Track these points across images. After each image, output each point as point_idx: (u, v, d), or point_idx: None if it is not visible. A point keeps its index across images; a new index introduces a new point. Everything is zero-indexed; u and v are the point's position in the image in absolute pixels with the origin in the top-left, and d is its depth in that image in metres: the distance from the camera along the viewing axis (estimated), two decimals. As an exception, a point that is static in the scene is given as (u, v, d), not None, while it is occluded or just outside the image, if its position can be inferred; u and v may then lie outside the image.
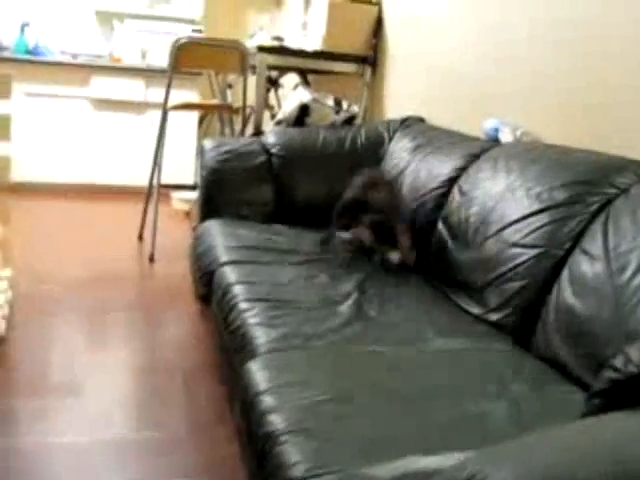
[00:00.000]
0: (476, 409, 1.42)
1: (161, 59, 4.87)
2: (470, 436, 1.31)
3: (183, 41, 3.63)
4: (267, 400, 1.42)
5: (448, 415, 1.39)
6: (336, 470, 1.18)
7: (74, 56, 5.36)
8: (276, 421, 1.34)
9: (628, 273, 1.55)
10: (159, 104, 3.92)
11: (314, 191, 2.97)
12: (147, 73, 5.21)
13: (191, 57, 3.68)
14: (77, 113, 5.18)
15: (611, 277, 1.59)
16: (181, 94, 4.57)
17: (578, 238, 1.80)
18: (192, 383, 2.43)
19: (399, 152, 2.87)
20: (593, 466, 0.74)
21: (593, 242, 1.71)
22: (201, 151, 3.04)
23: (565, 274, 1.76)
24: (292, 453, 1.24)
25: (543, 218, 1.90)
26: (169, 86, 3.70)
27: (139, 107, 5.28)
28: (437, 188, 2.47)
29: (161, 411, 2.23)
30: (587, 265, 1.69)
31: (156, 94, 5.00)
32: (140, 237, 4.11)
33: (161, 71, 4.67)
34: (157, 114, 4.19)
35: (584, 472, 0.74)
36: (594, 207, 1.81)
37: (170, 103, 3.80)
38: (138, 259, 3.82)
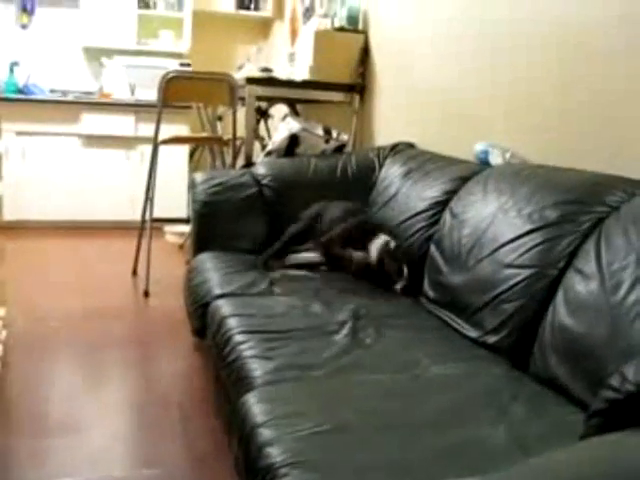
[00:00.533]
0: (476, 435, 1.40)
1: (150, 94, 4.90)
2: (471, 462, 1.30)
3: (171, 75, 3.66)
4: (265, 433, 1.40)
5: (448, 442, 1.37)
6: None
7: (64, 93, 5.39)
8: (275, 454, 1.32)
9: (622, 291, 1.55)
10: (149, 138, 3.93)
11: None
12: (137, 108, 5.25)
13: (180, 91, 3.70)
14: (68, 150, 5.20)
15: (606, 295, 1.59)
16: (171, 128, 4.59)
17: (571, 257, 1.79)
18: (189, 417, 2.41)
19: (390, 178, 2.88)
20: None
21: (586, 261, 1.71)
22: (192, 185, 3.04)
23: (560, 293, 1.75)
24: (292, 486, 1.22)
25: (536, 238, 1.90)
26: (159, 120, 3.71)
27: (130, 142, 5.30)
28: (428, 211, 2.48)
29: (159, 447, 2.20)
30: (581, 284, 1.69)
31: (146, 129, 5.02)
32: (134, 272, 4.09)
33: (151, 106, 4.69)
34: (148, 149, 4.20)
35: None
36: (586, 226, 1.81)
37: (160, 137, 3.81)
38: (133, 294, 3.81)
